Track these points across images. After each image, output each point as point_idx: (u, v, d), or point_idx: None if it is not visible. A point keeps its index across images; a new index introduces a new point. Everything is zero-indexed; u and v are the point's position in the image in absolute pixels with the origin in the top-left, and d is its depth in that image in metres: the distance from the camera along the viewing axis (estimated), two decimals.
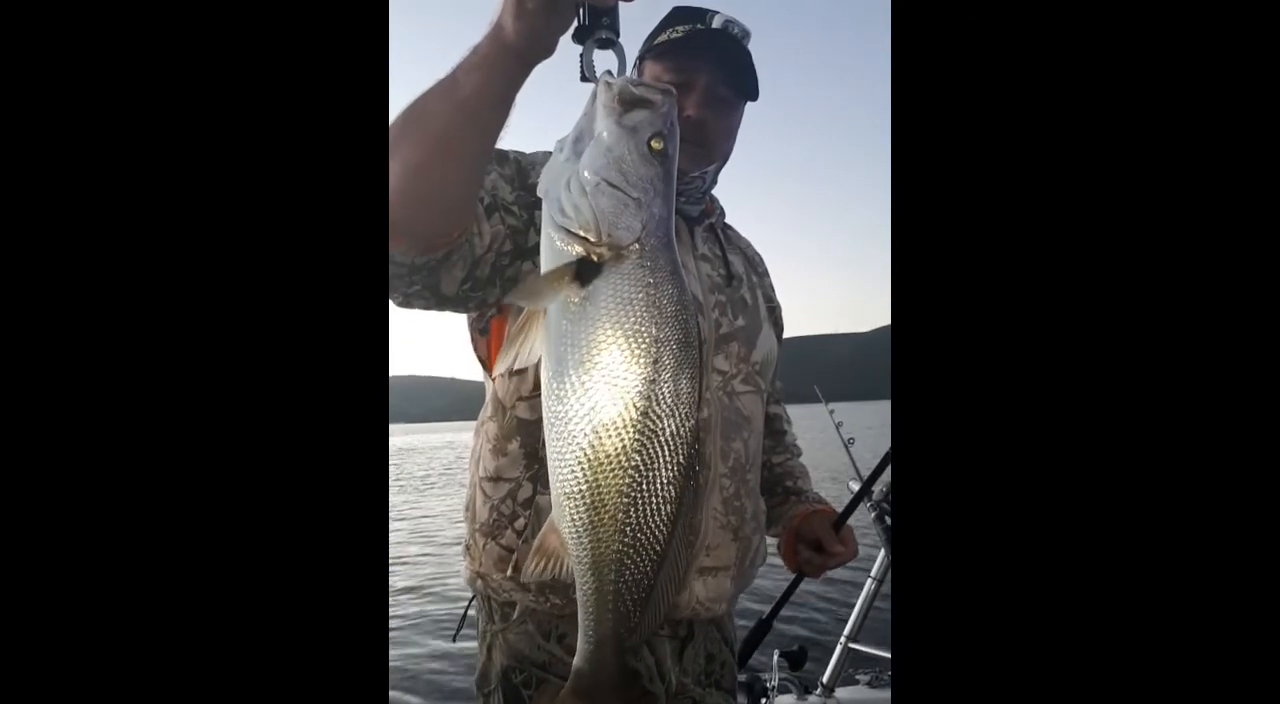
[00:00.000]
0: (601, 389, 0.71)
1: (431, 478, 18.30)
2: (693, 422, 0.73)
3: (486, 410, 1.12)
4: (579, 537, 0.73)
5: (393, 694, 3.79)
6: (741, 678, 1.87)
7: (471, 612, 1.16)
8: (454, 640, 1.31)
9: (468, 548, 1.10)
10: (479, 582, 1.09)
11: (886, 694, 2.31)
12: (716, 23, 1.11)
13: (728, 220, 1.29)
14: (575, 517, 0.73)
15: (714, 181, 1.20)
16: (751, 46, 1.14)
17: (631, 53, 1.18)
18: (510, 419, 1.06)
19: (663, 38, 1.12)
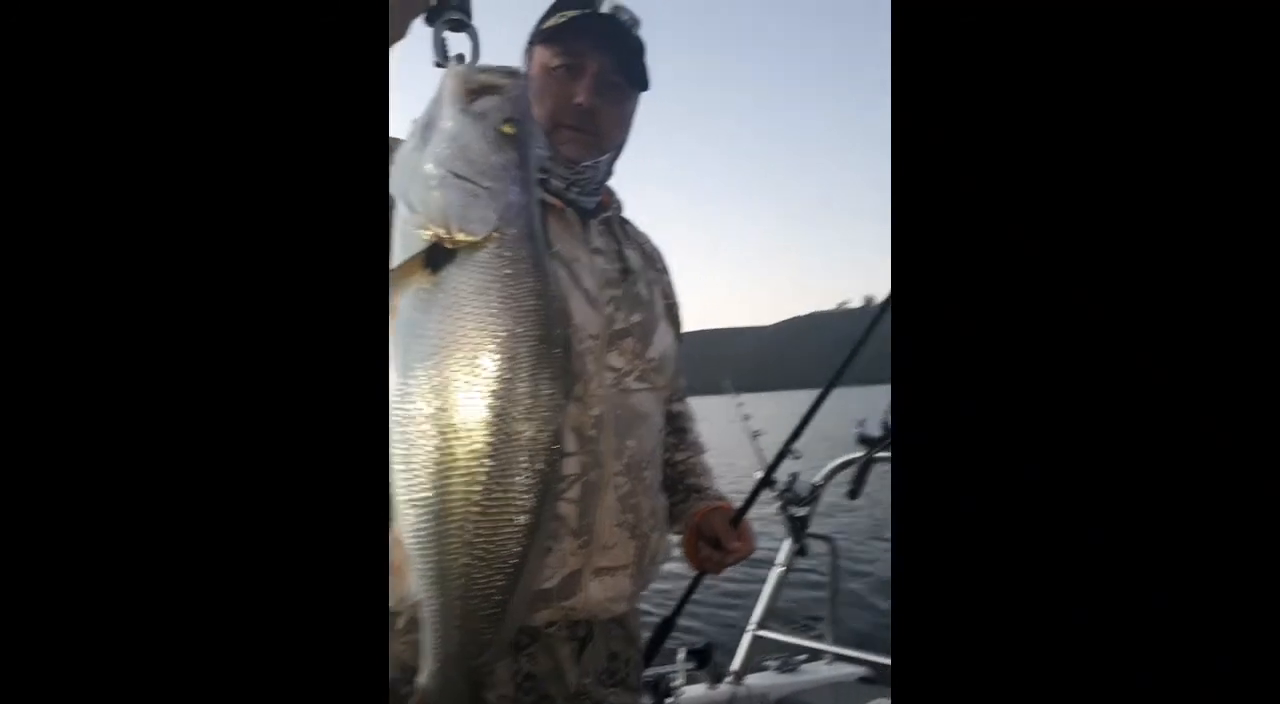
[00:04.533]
0: (451, 388, 0.65)
1: None
2: (554, 427, 0.68)
3: None
4: (423, 548, 0.67)
5: None
6: (648, 675, 1.86)
7: None
8: None
9: None
10: None
11: (795, 679, 2.35)
12: (605, 7, 1.08)
13: (626, 215, 1.25)
14: (420, 527, 0.66)
15: (608, 173, 1.17)
16: (648, 31, 1.11)
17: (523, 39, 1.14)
18: None
19: (551, 22, 1.09)
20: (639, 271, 1.17)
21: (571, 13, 1.08)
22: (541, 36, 1.10)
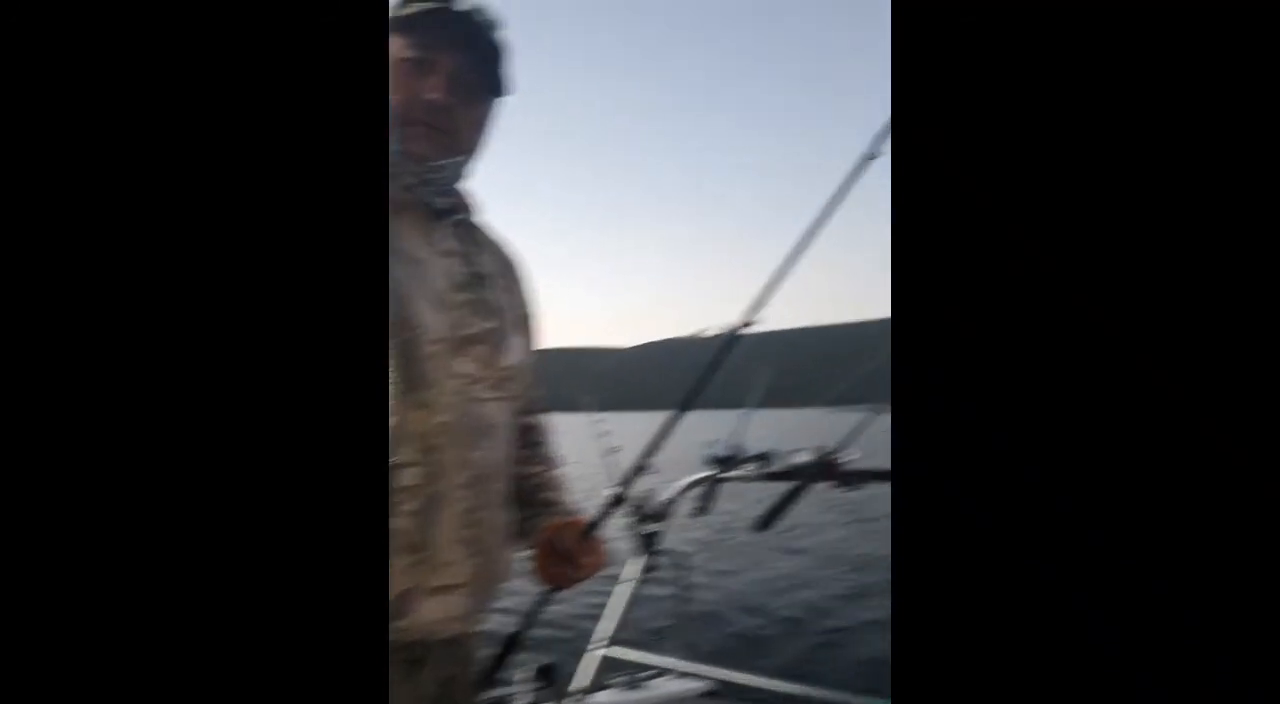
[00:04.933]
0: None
1: None
2: (395, 419, 0.65)
3: None
4: None
5: None
6: (489, 696, 1.79)
7: None
8: None
9: None
10: None
11: (640, 695, 2.35)
12: (463, 5, 1.05)
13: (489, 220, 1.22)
14: None
15: (462, 174, 1.13)
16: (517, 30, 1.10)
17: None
18: None
19: (407, 10, 1.05)
20: (493, 277, 1.13)
21: (426, 4, 1.04)
22: (396, 24, 1.04)
